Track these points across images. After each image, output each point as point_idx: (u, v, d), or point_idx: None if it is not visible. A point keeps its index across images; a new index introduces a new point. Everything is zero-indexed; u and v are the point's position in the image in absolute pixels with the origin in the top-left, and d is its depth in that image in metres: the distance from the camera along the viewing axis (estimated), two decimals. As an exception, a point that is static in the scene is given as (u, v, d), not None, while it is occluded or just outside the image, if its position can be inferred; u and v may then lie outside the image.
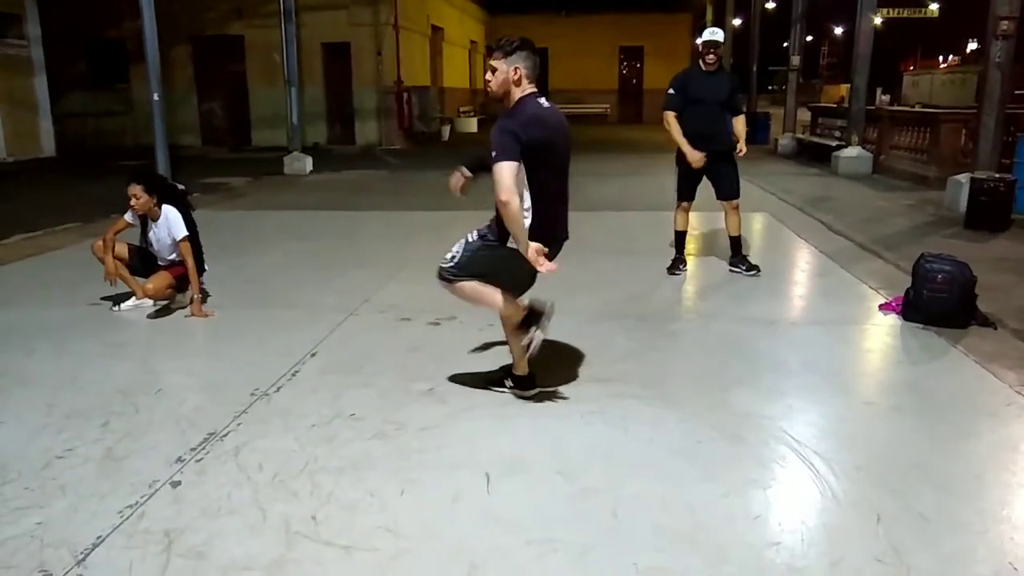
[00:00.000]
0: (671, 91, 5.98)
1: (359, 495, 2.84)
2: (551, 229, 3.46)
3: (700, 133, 5.90)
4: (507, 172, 3.16)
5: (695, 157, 5.87)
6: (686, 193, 6.26)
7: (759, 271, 6.18)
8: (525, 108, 3.32)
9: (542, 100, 3.37)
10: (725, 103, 5.96)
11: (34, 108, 16.29)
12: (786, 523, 2.68)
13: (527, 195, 3.33)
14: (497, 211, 3.28)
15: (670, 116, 5.95)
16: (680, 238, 6.43)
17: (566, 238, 3.62)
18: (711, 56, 5.91)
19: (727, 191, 6.16)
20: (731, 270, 6.31)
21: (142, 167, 7.47)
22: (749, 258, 6.38)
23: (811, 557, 2.47)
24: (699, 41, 6.13)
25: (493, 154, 3.18)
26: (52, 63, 16.80)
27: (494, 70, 3.33)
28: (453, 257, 3.53)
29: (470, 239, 3.56)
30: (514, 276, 3.52)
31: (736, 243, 6.32)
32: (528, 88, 3.36)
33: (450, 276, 3.54)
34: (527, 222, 3.29)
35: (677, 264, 6.35)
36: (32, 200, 10.73)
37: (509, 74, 3.31)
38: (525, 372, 3.72)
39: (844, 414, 3.63)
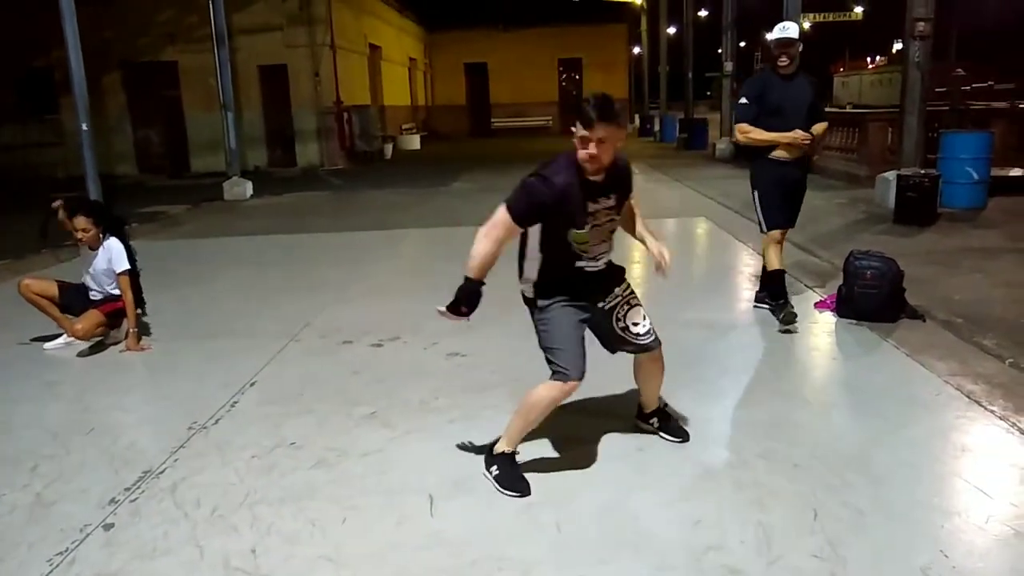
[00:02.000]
0: (743, 100, 5.08)
1: (300, 525, 2.80)
2: None
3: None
4: None
5: (798, 135, 4.87)
6: (780, 216, 5.09)
7: (795, 320, 4.93)
8: None
9: None
10: (807, 112, 4.96)
11: (-41, 143, 15.75)
12: (726, 526, 2.72)
13: None
14: None
15: (744, 127, 5.01)
16: (778, 280, 5.16)
17: None
18: (784, 58, 4.94)
19: (791, 218, 5.23)
20: (758, 306, 5.39)
21: (77, 196, 7.17)
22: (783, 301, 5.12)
23: (750, 558, 2.51)
24: (770, 38, 5.10)
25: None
26: (-24, 96, 16.29)
27: (603, 140, 2.76)
28: (650, 328, 3.19)
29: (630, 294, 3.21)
30: None
31: (780, 279, 5.17)
32: None
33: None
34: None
35: (790, 318, 4.92)
36: (-41, 238, 10.34)
37: (620, 140, 2.85)
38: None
39: (782, 413, 3.69)
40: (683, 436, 3.39)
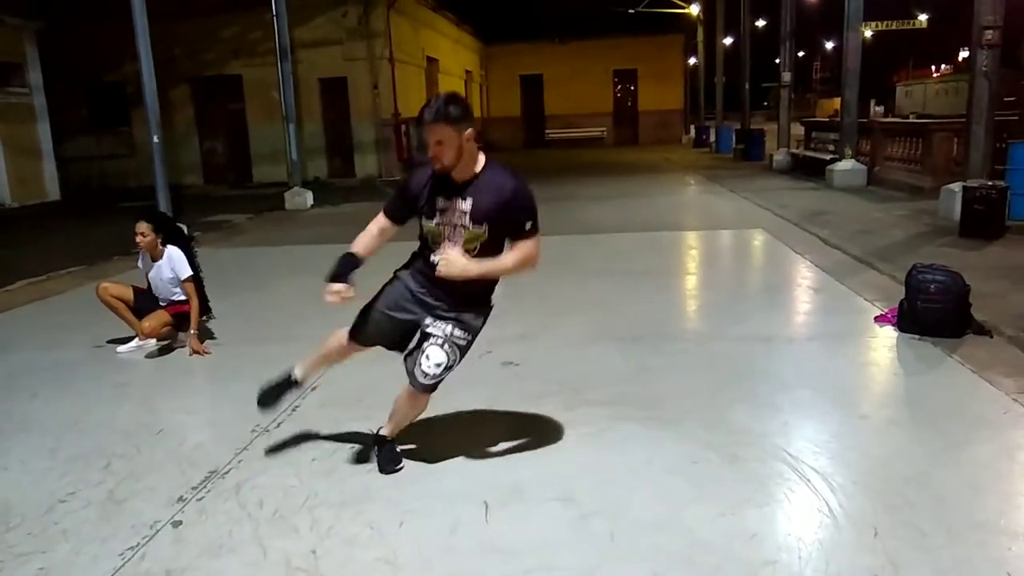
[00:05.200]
0: None
1: (359, 528, 2.87)
2: None
3: None
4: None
5: None
6: None
7: None
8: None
9: None
10: None
11: (37, 154, 16.48)
12: (783, 541, 2.70)
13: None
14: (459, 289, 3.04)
15: None
16: None
17: None
18: None
19: None
20: None
21: (148, 206, 7.49)
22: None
23: (807, 575, 2.48)
24: None
25: (529, 225, 2.96)
26: (54, 109, 17.04)
27: (440, 141, 2.84)
28: (448, 365, 3.09)
29: (456, 336, 3.09)
30: None
31: None
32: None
33: (435, 384, 3.13)
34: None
35: None
36: (37, 245, 10.83)
37: (463, 139, 2.87)
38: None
39: (840, 428, 3.64)
40: (385, 469, 3.29)
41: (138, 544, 2.80)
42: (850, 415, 3.79)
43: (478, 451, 3.50)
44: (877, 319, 5.24)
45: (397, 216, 3.19)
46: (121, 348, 5.26)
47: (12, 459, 3.63)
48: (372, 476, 3.28)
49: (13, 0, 15.62)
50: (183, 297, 5.17)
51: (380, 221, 3.22)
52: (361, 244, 3.23)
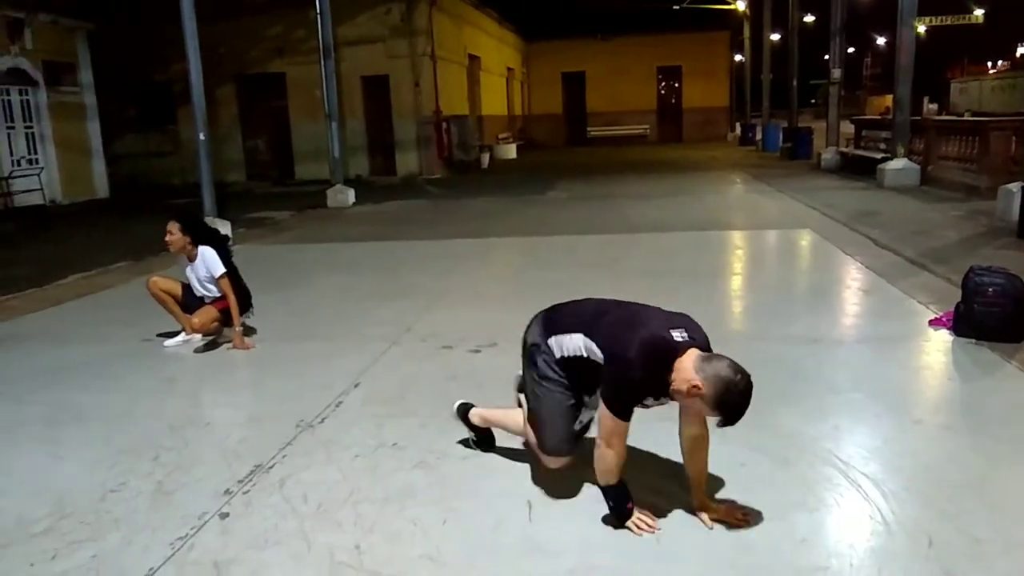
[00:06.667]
0: None
1: (402, 524, 2.87)
2: None
3: None
4: None
5: None
6: None
7: None
8: None
9: None
10: None
11: (88, 152, 16.90)
12: (833, 547, 2.63)
13: None
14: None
15: None
16: None
17: None
18: None
19: None
20: None
21: (183, 207, 7.60)
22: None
23: (859, 582, 2.42)
24: None
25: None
26: (104, 107, 17.45)
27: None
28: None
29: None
30: None
31: None
32: None
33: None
34: None
35: None
36: (87, 240, 11.11)
37: None
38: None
39: (893, 433, 3.54)
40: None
41: (187, 535, 2.84)
42: (903, 420, 3.69)
43: (520, 451, 3.48)
44: (931, 322, 5.10)
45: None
46: (168, 342, 5.35)
47: (65, 449, 3.71)
48: (415, 473, 3.29)
49: (66, 1, 16.03)
50: (220, 294, 5.23)
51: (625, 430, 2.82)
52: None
